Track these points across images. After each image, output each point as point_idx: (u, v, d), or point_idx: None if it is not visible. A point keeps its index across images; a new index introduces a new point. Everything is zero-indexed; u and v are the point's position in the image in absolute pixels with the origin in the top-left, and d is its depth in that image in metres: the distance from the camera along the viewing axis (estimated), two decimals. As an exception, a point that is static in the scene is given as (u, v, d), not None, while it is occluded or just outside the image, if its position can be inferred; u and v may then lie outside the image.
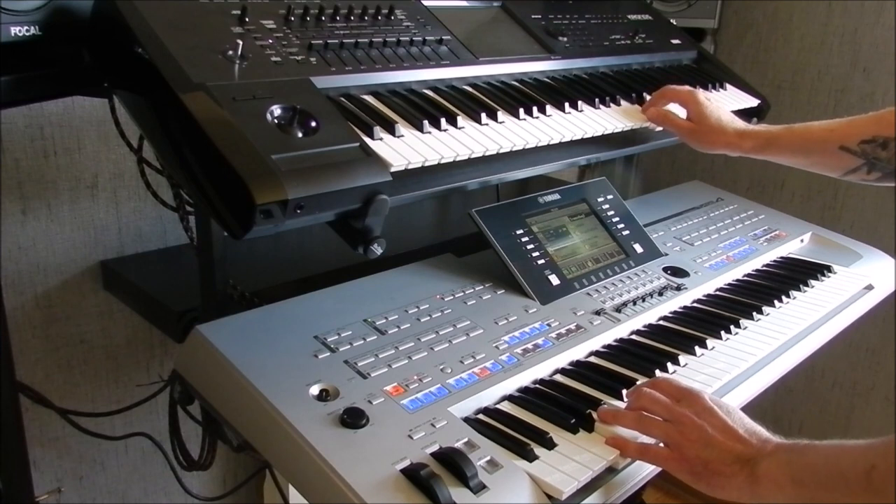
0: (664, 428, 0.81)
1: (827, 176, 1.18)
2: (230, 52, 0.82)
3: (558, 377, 0.96)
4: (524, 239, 1.13)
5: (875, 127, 1.08)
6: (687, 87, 1.21)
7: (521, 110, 1.03)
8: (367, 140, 0.83)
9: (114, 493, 1.49)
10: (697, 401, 0.82)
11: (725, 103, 1.36)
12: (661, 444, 0.82)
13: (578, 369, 0.98)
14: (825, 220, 1.84)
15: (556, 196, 1.23)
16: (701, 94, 1.21)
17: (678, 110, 1.21)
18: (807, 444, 0.75)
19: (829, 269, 1.35)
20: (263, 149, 0.72)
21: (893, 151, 1.05)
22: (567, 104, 1.10)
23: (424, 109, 0.94)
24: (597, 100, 1.16)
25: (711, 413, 0.80)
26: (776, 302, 1.20)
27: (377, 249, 0.82)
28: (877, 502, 0.67)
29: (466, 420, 0.83)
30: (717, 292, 1.24)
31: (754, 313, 1.15)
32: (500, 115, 1.00)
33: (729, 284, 1.27)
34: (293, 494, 1.28)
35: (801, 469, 0.73)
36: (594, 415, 0.86)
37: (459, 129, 0.94)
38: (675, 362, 1.00)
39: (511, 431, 0.83)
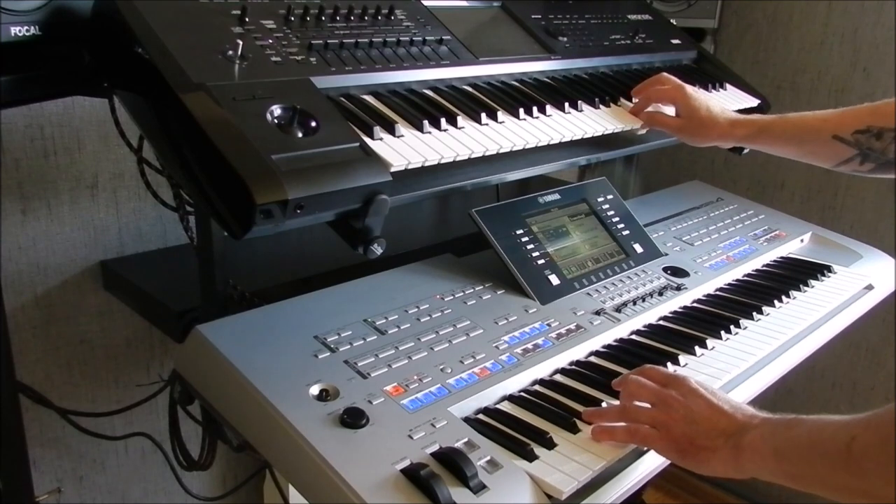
0: (649, 412, 0.83)
1: (825, 170, 1.17)
2: (230, 52, 0.82)
3: (558, 377, 0.96)
4: (524, 239, 1.13)
5: (870, 117, 1.07)
6: (672, 84, 1.19)
7: (521, 110, 1.03)
8: (367, 140, 0.83)
9: (114, 493, 1.49)
10: (683, 383, 0.84)
11: (725, 103, 1.36)
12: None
13: (578, 369, 0.98)
14: (825, 220, 1.83)
15: (556, 196, 1.23)
16: (688, 88, 1.19)
17: (668, 108, 1.21)
18: (793, 418, 0.74)
19: (829, 269, 1.35)
20: (263, 149, 0.72)
21: (888, 142, 1.05)
22: (567, 104, 1.10)
23: (424, 109, 0.94)
24: (597, 100, 1.16)
25: (696, 393, 0.82)
26: (776, 302, 1.20)
27: (377, 249, 0.82)
28: (854, 478, 0.65)
29: (466, 420, 0.83)
30: (717, 292, 1.24)
31: (754, 313, 1.15)
32: (500, 115, 1.00)
33: (729, 284, 1.27)
34: (293, 494, 1.28)
35: (784, 441, 0.72)
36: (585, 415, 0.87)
37: (459, 129, 0.94)
38: (675, 362, 1.00)
39: (511, 431, 0.83)
